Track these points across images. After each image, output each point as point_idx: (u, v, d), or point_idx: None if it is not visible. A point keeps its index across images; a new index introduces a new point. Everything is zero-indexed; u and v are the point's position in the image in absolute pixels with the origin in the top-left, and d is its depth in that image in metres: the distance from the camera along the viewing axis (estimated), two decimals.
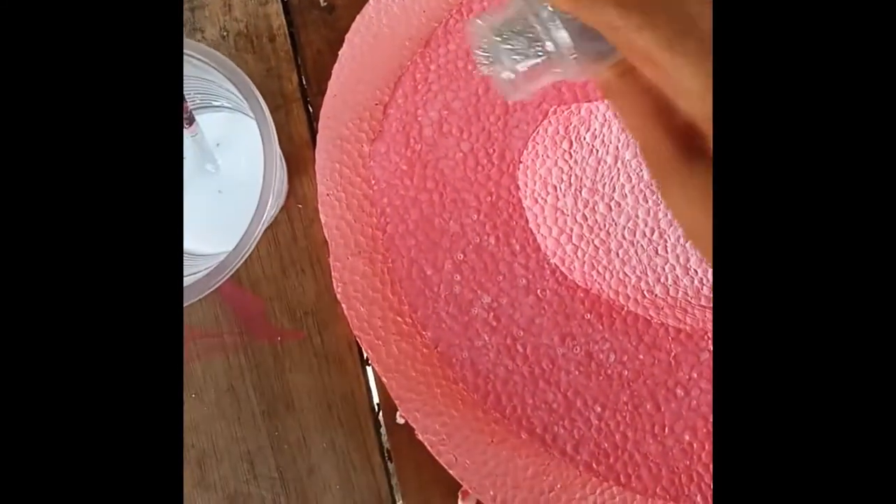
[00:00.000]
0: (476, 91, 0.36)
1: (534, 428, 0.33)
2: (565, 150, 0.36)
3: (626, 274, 0.35)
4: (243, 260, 0.29)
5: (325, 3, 0.39)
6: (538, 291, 0.35)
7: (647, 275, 0.35)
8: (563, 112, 0.36)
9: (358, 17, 0.38)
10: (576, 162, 0.36)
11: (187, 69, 0.31)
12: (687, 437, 0.33)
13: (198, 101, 0.36)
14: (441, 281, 0.35)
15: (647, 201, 0.36)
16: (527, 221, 0.35)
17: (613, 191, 0.36)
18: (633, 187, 0.36)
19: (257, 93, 0.29)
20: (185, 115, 0.31)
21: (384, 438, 0.37)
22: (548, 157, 0.36)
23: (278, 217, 0.38)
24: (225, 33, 0.39)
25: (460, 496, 0.36)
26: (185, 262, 0.34)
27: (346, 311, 0.35)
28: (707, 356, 0.34)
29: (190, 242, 0.37)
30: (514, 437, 0.34)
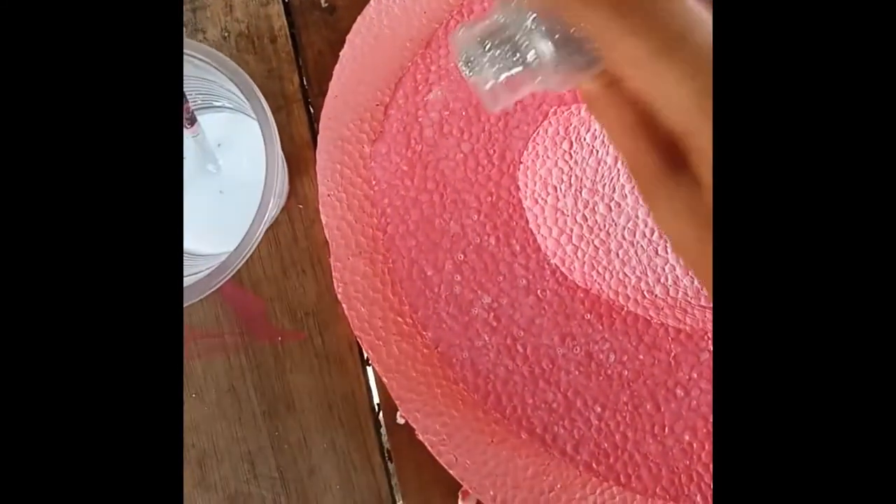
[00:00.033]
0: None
1: (534, 428, 0.33)
2: (565, 151, 0.36)
3: (626, 274, 0.35)
4: (245, 260, 0.29)
5: (327, 4, 0.39)
6: (538, 292, 0.35)
7: (647, 275, 0.35)
8: (563, 113, 0.36)
9: (359, 18, 0.38)
10: (576, 162, 0.36)
11: (189, 69, 0.31)
12: (687, 437, 0.33)
13: (199, 102, 0.36)
14: (441, 281, 0.35)
15: None
16: (527, 222, 0.35)
17: (613, 191, 0.36)
18: (633, 188, 0.36)
19: (259, 93, 0.29)
20: (186, 116, 0.31)
21: (384, 439, 0.37)
22: (548, 157, 0.36)
23: (279, 217, 0.38)
24: (226, 34, 0.39)
25: (460, 496, 0.36)
26: (185, 263, 0.34)
27: (346, 312, 0.36)
28: (707, 356, 0.34)
29: (191, 242, 0.37)
30: (514, 437, 0.34)
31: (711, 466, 0.32)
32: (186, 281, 0.29)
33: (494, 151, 0.36)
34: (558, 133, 0.36)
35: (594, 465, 0.33)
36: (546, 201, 0.36)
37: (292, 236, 0.38)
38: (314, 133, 0.39)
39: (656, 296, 0.35)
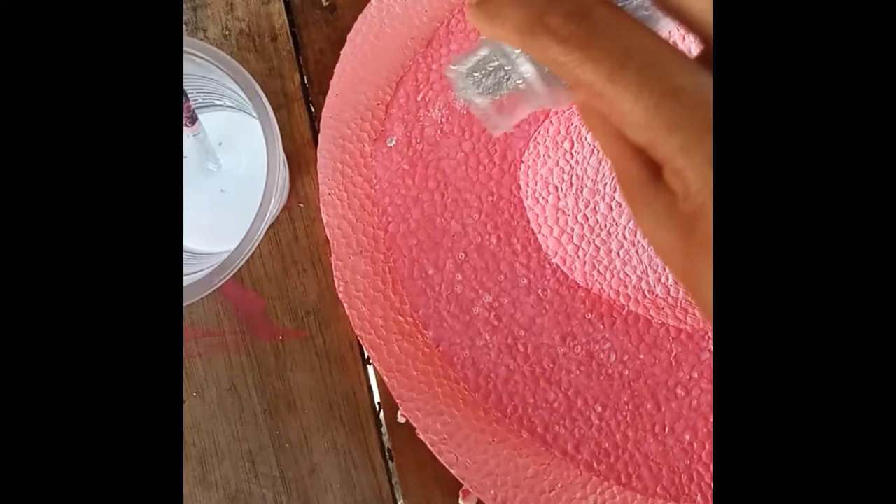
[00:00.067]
0: None
1: (534, 427, 0.33)
2: (567, 150, 0.36)
3: (626, 274, 0.35)
4: (246, 259, 0.29)
5: (327, 3, 0.39)
6: (539, 291, 0.35)
7: (647, 275, 0.35)
8: (564, 112, 0.36)
9: (360, 17, 0.38)
10: (577, 162, 0.36)
11: (191, 68, 0.31)
12: (687, 437, 0.33)
13: (201, 101, 0.36)
14: (442, 280, 0.35)
15: None
16: (528, 221, 0.35)
17: (615, 191, 0.36)
18: None
19: (261, 92, 0.29)
20: (188, 115, 0.31)
21: (385, 437, 0.37)
22: (549, 157, 0.36)
23: (280, 216, 0.38)
24: (227, 32, 0.39)
25: (461, 495, 0.36)
26: (186, 261, 0.34)
27: (347, 311, 0.36)
28: (708, 356, 0.34)
29: (192, 241, 0.37)
30: (514, 436, 0.34)
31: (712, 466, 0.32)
32: (187, 279, 0.29)
33: (496, 151, 0.36)
34: (559, 132, 0.36)
35: (595, 464, 0.33)
36: (547, 201, 0.36)
37: (293, 235, 0.38)
38: (315, 132, 0.39)
39: (657, 295, 0.35)
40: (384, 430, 0.37)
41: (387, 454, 0.37)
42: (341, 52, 0.37)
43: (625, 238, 0.35)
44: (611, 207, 0.36)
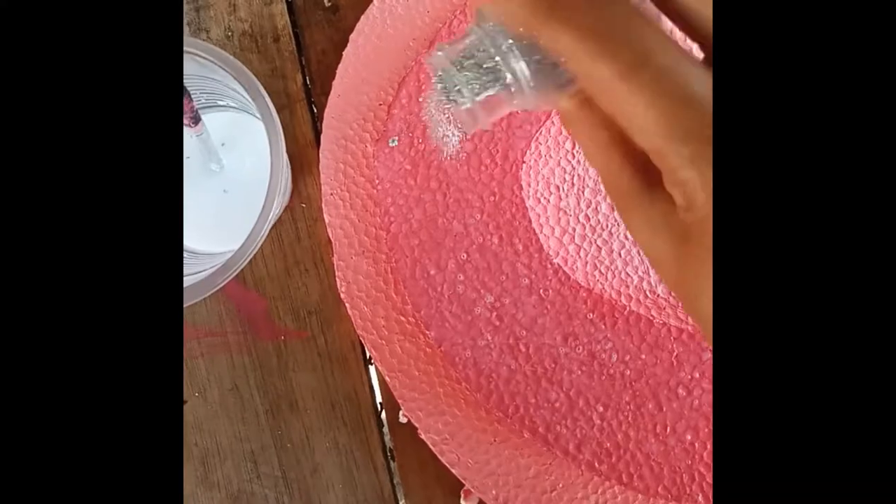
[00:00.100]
0: None
1: (536, 427, 0.34)
2: (568, 151, 0.36)
3: (628, 274, 0.35)
4: (248, 259, 0.29)
5: (330, 4, 0.39)
6: (541, 291, 0.35)
7: (649, 275, 0.35)
8: None
9: (362, 18, 0.38)
10: (578, 162, 0.36)
11: (194, 68, 0.31)
12: (689, 437, 0.33)
13: (204, 101, 0.37)
14: (444, 281, 0.35)
15: None
16: (530, 221, 0.35)
17: None
18: None
19: (264, 92, 0.29)
20: (191, 115, 0.31)
21: (387, 437, 0.37)
22: (550, 157, 0.36)
23: (282, 217, 0.38)
24: (230, 33, 0.39)
25: (463, 495, 0.36)
26: (189, 262, 0.34)
27: (349, 311, 0.36)
28: (709, 356, 0.34)
29: (194, 241, 0.37)
30: (516, 436, 0.34)
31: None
32: (190, 280, 0.29)
33: (497, 151, 0.36)
34: (561, 133, 0.36)
35: (596, 464, 0.33)
36: (549, 201, 0.36)
37: (295, 235, 0.38)
38: (317, 132, 0.39)
39: (658, 295, 0.35)
40: (386, 430, 0.37)
41: (388, 454, 0.37)
42: (343, 53, 0.37)
43: (626, 238, 0.36)
44: (612, 207, 0.36)
